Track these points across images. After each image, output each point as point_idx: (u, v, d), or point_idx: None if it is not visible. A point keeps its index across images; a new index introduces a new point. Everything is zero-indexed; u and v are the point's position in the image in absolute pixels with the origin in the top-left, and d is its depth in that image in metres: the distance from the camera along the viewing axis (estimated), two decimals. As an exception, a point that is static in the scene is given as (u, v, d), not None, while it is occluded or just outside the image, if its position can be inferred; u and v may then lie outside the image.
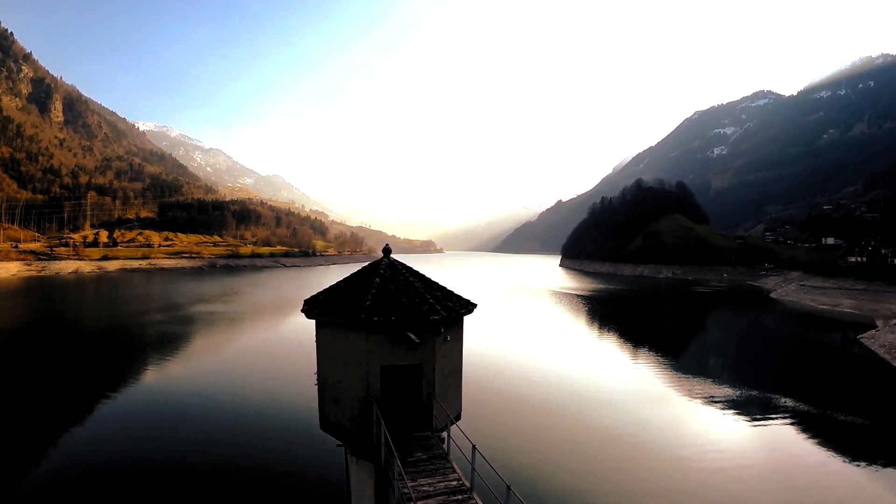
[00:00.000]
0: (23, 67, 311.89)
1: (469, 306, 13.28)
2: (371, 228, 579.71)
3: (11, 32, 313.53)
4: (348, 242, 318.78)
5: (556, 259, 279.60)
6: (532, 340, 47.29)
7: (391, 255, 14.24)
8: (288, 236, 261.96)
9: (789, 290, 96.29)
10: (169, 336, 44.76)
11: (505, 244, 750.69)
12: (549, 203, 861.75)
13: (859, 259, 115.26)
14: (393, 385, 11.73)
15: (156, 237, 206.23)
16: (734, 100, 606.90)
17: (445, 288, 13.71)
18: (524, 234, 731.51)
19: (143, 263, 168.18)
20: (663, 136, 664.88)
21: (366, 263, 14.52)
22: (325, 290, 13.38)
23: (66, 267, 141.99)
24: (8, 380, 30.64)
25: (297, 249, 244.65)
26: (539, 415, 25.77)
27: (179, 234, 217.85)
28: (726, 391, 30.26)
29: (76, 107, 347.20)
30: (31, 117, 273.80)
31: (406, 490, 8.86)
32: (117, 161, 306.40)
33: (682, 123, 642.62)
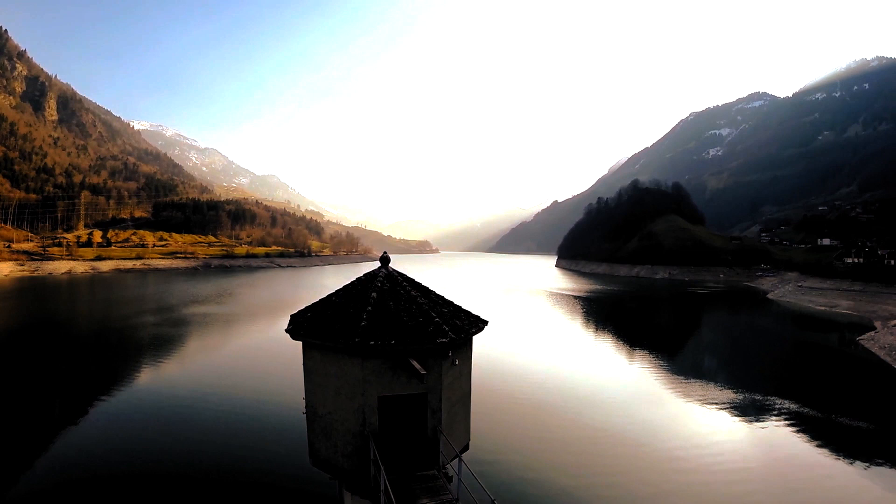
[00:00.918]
0: (17, 65, 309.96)
1: (479, 323, 11.90)
2: (367, 229, 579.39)
3: (6, 30, 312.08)
4: (344, 243, 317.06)
5: (553, 259, 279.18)
6: (540, 348, 45.63)
7: (389, 264, 12.82)
8: (283, 236, 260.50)
9: (786, 290, 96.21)
10: (162, 338, 44.07)
11: (501, 244, 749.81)
12: (545, 203, 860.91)
13: (856, 260, 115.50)
14: (393, 418, 10.31)
15: (150, 237, 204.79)
16: (730, 101, 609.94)
17: (452, 302, 12.35)
18: (520, 234, 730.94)
19: (138, 264, 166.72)
20: (659, 137, 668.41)
21: (362, 264, 13.57)
22: (312, 306, 11.82)
23: (60, 267, 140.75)
24: (0, 382, 30.10)
25: (292, 250, 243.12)
26: (552, 433, 23.05)
27: (174, 234, 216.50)
28: (724, 393, 29.95)
29: (71, 105, 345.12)
30: (24, 116, 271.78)
31: None
32: (112, 160, 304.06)
33: (677, 124, 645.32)
